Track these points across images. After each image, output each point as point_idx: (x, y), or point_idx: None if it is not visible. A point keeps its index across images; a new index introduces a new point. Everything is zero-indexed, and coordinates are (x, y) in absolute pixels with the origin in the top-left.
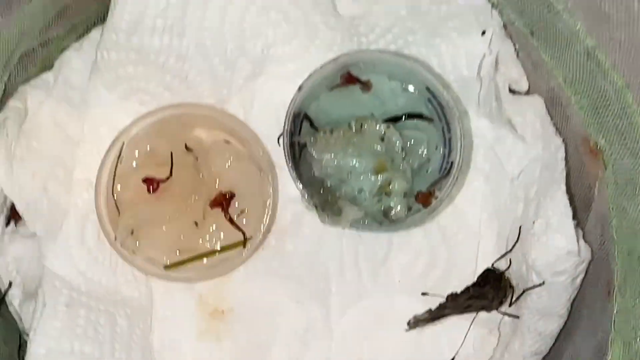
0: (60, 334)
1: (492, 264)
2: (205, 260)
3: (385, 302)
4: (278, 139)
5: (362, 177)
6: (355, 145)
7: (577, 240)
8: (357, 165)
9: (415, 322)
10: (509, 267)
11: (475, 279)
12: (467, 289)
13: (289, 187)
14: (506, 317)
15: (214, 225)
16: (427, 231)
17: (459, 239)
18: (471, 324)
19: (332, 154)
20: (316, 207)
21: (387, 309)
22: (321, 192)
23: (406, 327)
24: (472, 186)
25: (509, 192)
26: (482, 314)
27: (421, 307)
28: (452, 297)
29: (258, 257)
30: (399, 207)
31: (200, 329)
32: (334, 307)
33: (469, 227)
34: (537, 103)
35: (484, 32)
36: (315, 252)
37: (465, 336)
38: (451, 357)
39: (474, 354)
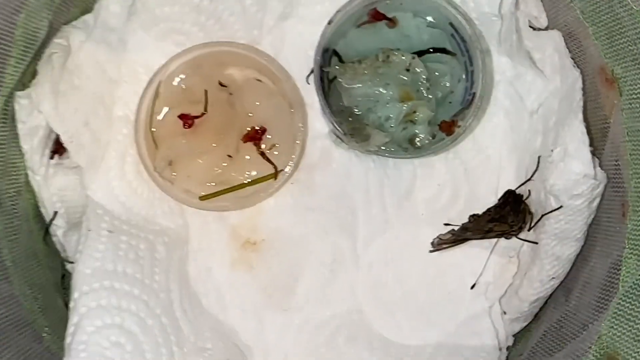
0: (104, 256)
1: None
2: (238, 192)
3: (409, 233)
4: (307, 77)
5: (388, 105)
6: (382, 75)
7: (594, 166)
8: (384, 93)
9: (439, 243)
10: (528, 196)
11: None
12: (489, 210)
13: (318, 124)
14: (525, 245)
15: (247, 158)
16: (450, 165)
17: (480, 173)
18: (491, 252)
19: (361, 83)
20: (345, 133)
21: (411, 240)
22: (349, 120)
23: (430, 247)
24: (492, 122)
25: (528, 125)
26: (502, 243)
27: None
28: (474, 218)
29: (288, 190)
30: (423, 135)
31: (233, 258)
32: (360, 238)
33: (489, 161)
34: (555, 37)
35: None
36: (342, 186)
37: (486, 263)
38: (472, 284)
39: (494, 282)
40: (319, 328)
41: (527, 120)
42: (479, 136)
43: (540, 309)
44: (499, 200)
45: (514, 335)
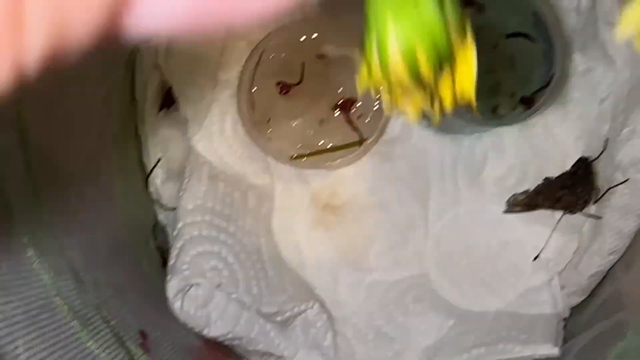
0: (205, 195)
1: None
2: (325, 155)
3: (478, 208)
4: None
5: (477, 74)
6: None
7: None
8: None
9: (514, 203)
10: (595, 174)
11: None
12: (561, 175)
13: None
14: (587, 223)
15: (336, 125)
16: (520, 148)
17: (548, 157)
18: (554, 229)
19: None
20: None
21: (479, 215)
22: None
23: (505, 206)
24: (562, 110)
25: (597, 113)
26: (564, 221)
27: (510, 215)
28: (547, 181)
29: (369, 160)
30: (505, 105)
31: (313, 219)
32: (432, 210)
33: (557, 146)
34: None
35: None
36: (419, 160)
37: (548, 240)
38: (533, 257)
39: (554, 258)
40: (388, 288)
41: (597, 108)
42: (549, 122)
43: (598, 284)
44: (572, 167)
45: (571, 309)
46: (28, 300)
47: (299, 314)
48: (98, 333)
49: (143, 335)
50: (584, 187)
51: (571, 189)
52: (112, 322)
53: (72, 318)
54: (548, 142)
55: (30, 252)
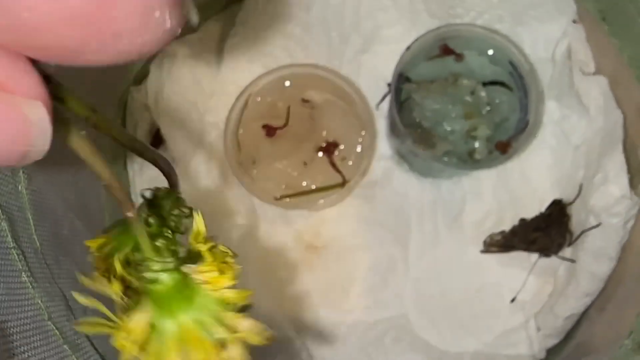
0: None
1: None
2: (308, 196)
3: (456, 251)
4: (377, 104)
5: (454, 120)
6: (450, 94)
7: (630, 190)
8: (450, 109)
9: (490, 243)
10: (569, 218)
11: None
12: (536, 217)
13: (383, 147)
14: (562, 266)
15: (319, 167)
16: (497, 194)
17: (525, 201)
18: (530, 272)
19: (431, 99)
20: (414, 142)
21: (457, 257)
22: (419, 132)
23: (482, 247)
24: (538, 157)
25: (572, 160)
26: (540, 263)
27: (488, 257)
28: (523, 222)
29: (352, 202)
30: (481, 150)
31: (296, 259)
32: (412, 252)
33: (534, 191)
34: (601, 82)
35: (574, 21)
36: (400, 203)
37: (525, 283)
38: (510, 299)
39: (530, 300)
40: (368, 328)
41: (571, 155)
42: (526, 168)
43: (573, 327)
44: (546, 210)
45: (547, 350)
46: (23, 321)
47: (280, 351)
48: (88, 359)
49: None
50: (558, 229)
51: (545, 231)
52: (101, 350)
53: (63, 342)
54: (525, 187)
55: (24, 277)
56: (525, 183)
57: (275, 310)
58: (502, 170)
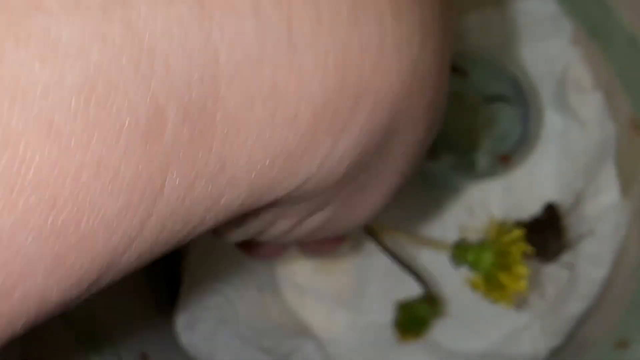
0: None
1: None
2: None
3: None
4: None
5: (457, 132)
6: (454, 110)
7: (622, 197)
8: (455, 121)
9: None
10: (565, 224)
11: None
12: (530, 221)
13: None
14: (562, 270)
15: None
16: (501, 204)
17: (527, 212)
18: (532, 275)
19: None
20: None
21: None
22: None
23: None
24: (538, 167)
25: (572, 171)
26: (543, 267)
27: None
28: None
29: None
30: (484, 162)
31: (315, 266)
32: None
33: (535, 201)
34: (597, 97)
35: (570, 38)
36: None
37: (527, 285)
38: (515, 303)
39: (535, 302)
40: (382, 328)
41: (571, 166)
42: (527, 180)
43: (572, 328)
44: (541, 213)
45: (549, 351)
46: None
47: (298, 350)
48: (101, 351)
49: (144, 357)
50: (553, 232)
51: (541, 235)
52: (115, 342)
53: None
54: (528, 196)
55: None
56: (528, 193)
57: (295, 311)
58: (505, 181)
